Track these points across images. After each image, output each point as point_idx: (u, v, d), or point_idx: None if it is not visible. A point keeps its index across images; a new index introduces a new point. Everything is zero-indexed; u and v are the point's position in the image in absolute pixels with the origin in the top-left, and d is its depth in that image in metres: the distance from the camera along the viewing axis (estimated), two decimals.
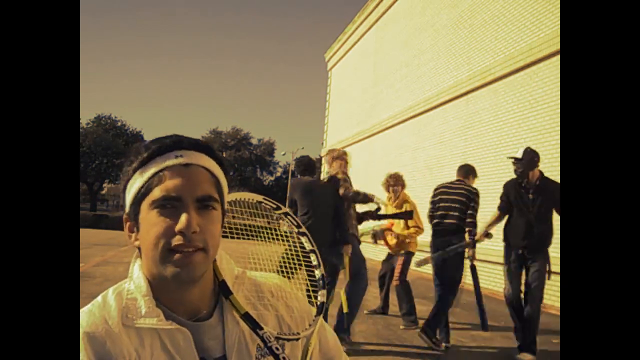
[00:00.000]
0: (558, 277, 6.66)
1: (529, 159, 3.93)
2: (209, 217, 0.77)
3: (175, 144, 0.79)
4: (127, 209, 0.80)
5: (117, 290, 0.80)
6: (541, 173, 4.04)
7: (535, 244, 3.94)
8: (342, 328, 3.96)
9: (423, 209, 5.77)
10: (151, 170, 0.77)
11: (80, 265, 7.90)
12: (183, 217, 0.74)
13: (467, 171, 4.57)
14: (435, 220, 4.45)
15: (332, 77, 21.30)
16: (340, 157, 4.38)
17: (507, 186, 4.18)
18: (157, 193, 0.76)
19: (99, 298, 0.79)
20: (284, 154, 51.36)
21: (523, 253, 3.98)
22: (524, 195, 4.00)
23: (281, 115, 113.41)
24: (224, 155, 46.10)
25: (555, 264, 6.63)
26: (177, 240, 0.74)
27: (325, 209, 3.98)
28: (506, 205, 4.16)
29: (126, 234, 0.82)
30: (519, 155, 3.97)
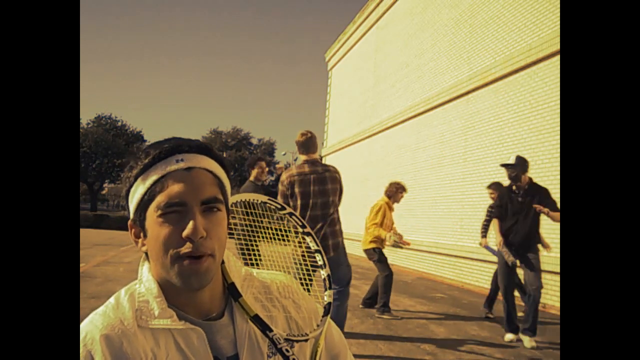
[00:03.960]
0: (558, 277, 6.66)
1: (521, 164, 4.38)
2: (215, 219, 0.77)
3: (175, 148, 0.78)
4: (131, 215, 0.80)
5: (129, 291, 0.80)
6: (530, 179, 4.48)
7: (525, 242, 4.41)
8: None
9: (424, 209, 5.80)
10: (153, 177, 0.77)
11: (81, 265, 7.90)
12: (190, 224, 0.74)
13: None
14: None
15: (332, 77, 21.29)
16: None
17: (501, 192, 4.69)
18: (161, 199, 0.75)
19: (112, 300, 0.79)
20: (284, 154, 51.27)
21: (517, 251, 4.43)
22: (514, 198, 4.46)
23: (281, 115, 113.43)
24: (224, 155, 46.15)
25: (555, 264, 6.64)
26: (185, 247, 0.74)
27: None
28: (499, 211, 4.58)
29: (132, 240, 0.81)
30: (512, 161, 4.41)
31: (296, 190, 3.64)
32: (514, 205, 4.43)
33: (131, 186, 0.79)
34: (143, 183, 0.77)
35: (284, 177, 3.70)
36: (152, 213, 0.76)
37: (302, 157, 3.77)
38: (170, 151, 0.78)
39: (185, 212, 0.75)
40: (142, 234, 0.79)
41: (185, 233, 0.73)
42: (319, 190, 3.63)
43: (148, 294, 0.78)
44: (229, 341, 0.81)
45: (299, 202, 3.62)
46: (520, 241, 4.41)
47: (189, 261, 0.74)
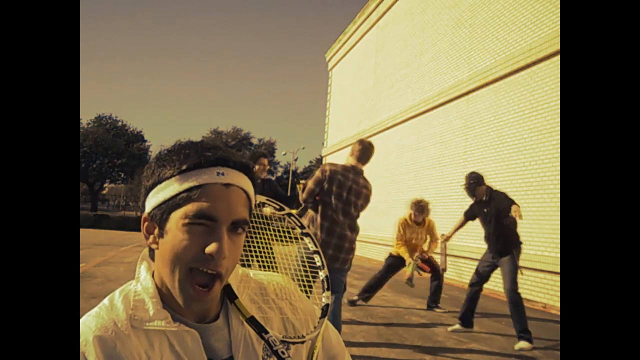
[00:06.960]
0: (558, 277, 6.66)
1: (468, 183, 4.76)
2: (237, 241, 0.77)
3: (219, 160, 0.77)
4: (149, 208, 0.78)
5: (123, 293, 0.79)
6: (488, 188, 4.73)
7: (501, 248, 4.58)
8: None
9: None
10: (190, 183, 0.74)
11: (81, 265, 7.91)
12: (217, 243, 0.73)
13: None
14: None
15: (332, 77, 21.29)
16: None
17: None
18: (192, 208, 0.73)
19: (106, 301, 0.79)
20: (284, 154, 51.37)
21: (493, 256, 4.69)
22: (482, 210, 4.76)
23: (281, 115, 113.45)
24: None
25: (555, 264, 6.64)
26: (203, 262, 0.73)
27: None
28: (470, 215, 4.94)
29: (143, 233, 0.80)
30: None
31: (334, 188, 3.54)
32: (482, 215, 4.75)
33: (160, 182, 0.77)
34: (178, 184, 0.75)
35: (327, 167, 3.57)
36: (177, 217, 0.74)
37: (351, 161, 3.71)
38: (214, 162, 0.76)
39: (214, 228, 0.74)
40: (156, 231, 0.78)
41: (210, 250, 0.72)
42: (352, 202, 3.59)
43: (144, 293, 0.78)
44: (224, 344, 0.81)
45: (332, 199, 3.52)
46: (494, 248, 4.68)
47: (197, 290, 0.74)
